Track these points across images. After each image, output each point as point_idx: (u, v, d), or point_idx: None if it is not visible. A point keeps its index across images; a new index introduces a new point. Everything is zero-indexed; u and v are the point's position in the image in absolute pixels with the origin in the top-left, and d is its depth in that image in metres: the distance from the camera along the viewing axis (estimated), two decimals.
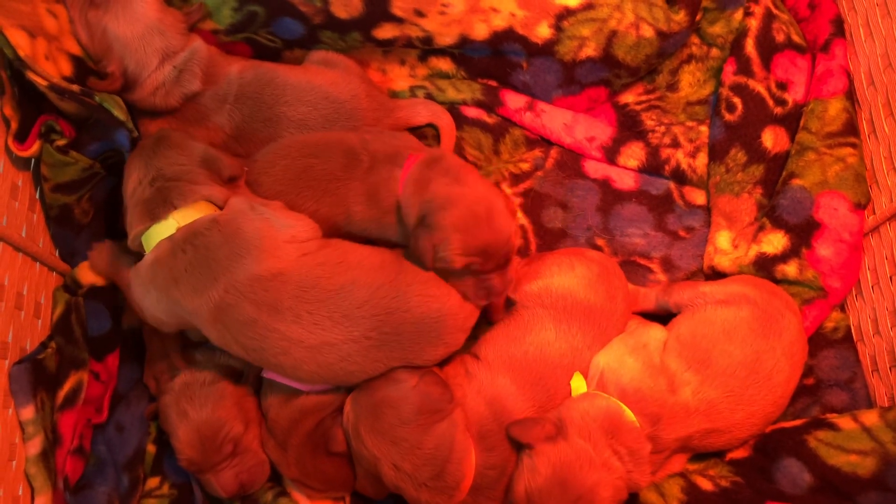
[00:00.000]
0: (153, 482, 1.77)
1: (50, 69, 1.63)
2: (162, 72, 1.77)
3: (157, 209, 1.58)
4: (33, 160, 1.69)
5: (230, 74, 1.86)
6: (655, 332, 1.71)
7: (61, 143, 1.63)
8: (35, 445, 1.57)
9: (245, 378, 1.69)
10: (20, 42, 1.55)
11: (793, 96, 1.97)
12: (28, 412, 1.56)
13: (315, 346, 1.52)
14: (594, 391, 1.63)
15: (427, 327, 1.58)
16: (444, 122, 2.02)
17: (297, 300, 1.51)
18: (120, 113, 1.66)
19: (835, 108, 1.87)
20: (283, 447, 1.68)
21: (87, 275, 1.75)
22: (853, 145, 1.84)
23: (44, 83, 1.57)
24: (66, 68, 1.69)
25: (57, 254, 1.78)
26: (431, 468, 1.51)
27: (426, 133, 2.05)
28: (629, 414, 1.57)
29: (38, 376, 1.58)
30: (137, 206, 1.60)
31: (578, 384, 1.66)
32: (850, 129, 1.86)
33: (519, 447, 1.60)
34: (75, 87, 1.63)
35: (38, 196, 1.72)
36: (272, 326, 1.51)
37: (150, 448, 1.77)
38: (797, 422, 1.72)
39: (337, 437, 1.63)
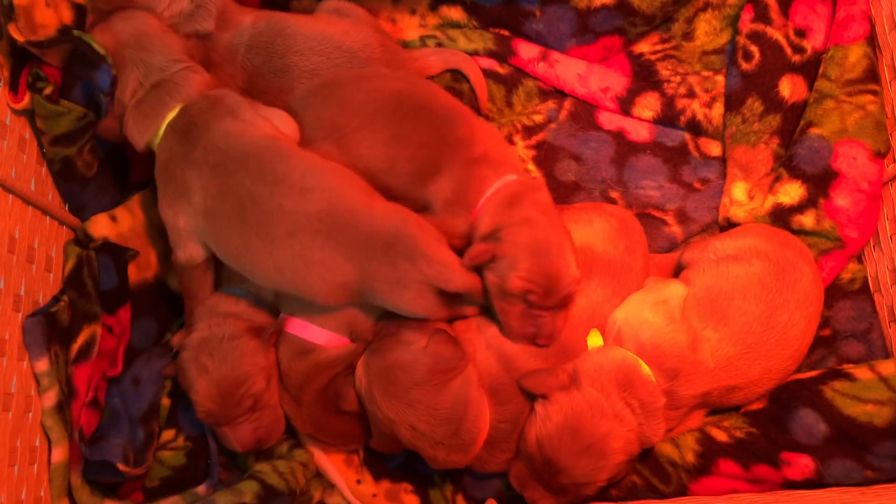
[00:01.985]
0: (168, 434, 1.78)
1: (49, 17, 1.60)
2: (180, 3, 1.75)
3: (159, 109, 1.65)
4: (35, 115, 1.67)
5: (243, 24, 1.83)
6: (676, 288, 1.68)
7: (49, 90, 1.60)
8: (50, 398, 1.57)
9: (268, 333, 1.68)
10: None
11: (811, 44, 1.93)
12: (42, 365, 1.56)
13: (272, 210, 1.55)
14: (611, 345, 1.62)
15: (383, 244, 1.56)
16: (472, 71, 1.99)
17: (261, 166, 1.57)
18: (100, 48, 1.62)
19: (855, 55, 1.83)
20: (297, 402, 1.68)
21: (99, 228, 1.74)
22: (874, 92, 1.81)
23: (21, 39, 1.53)
24: (67, 16, 1.66)
25: (66, 208, 1.77)
26: (448, 427, 1.51)
27: (462, 90, 2.00)
28: (645, 368, 1.56)
29: (52, 329, 1.58)
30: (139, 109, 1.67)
31: (595, 340, 1.65)
32: (871, 75, 1.82)
33: (532, 399, 1.60)
34: (52, 33, 1.60)
35: (42, 151, 1.71)
36: (241, 181, 1.57)
37: (165, 401, 1.78)
38: (813, 373, 1.71)
39: (348, 396, 1.63)
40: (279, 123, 1.71)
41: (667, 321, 1.60)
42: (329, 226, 1.55)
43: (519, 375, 1.60)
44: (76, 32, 1.62)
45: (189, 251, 1.67)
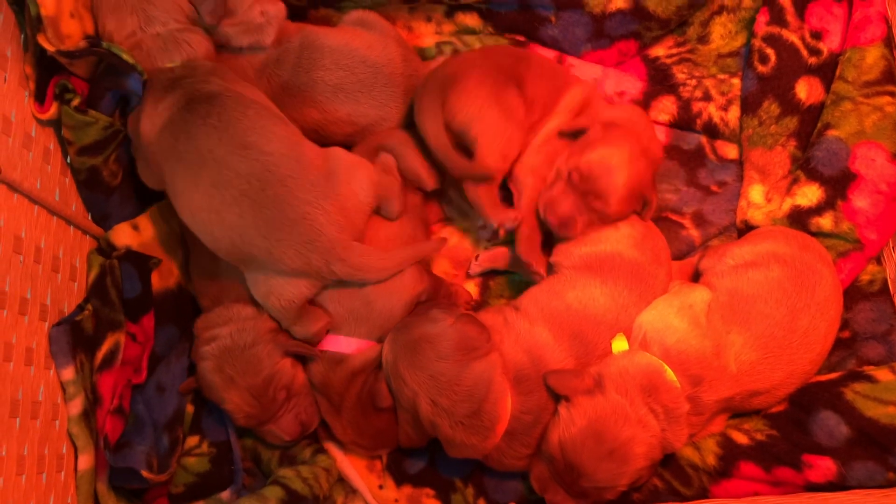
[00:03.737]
0: (192, 441, 1.80)
1: (74, 27, 1.63)
2: (252, 13, 1.79)
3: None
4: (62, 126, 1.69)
5: (291, 41, 1.86)
6: (700, 293, 1.68)
7: (77, 102, 1.63)
8: (76, 405, 1.59)
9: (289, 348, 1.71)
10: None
11: (828, 46, 1.93)
12: (68, 373, 1.58)
13: (203, 152, 1.57)
14: (636, 349, 1.62)
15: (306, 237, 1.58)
16: None
17: (212, 107, 1.60)
18: (129, 57, 1.65)
19: (872, 56, 1.83)
20: (337, 410, 1.70)
21: (121, 237, 1.76)
22: (891, 94, 1.80)
23: (51, 49, 1.56)
24: (90, 27, 1.69)
25: (90, 217, 1.78)
26: (469, 405, 1.52)
27: None
28: (669, 373, 1.56)
29: (77, 338, 1.60)
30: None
31: (620, 344, 1.65)
32: (889, 77, 1.82)
33: (556, 396, 1.60)
34: (82, 43, 1.63)
35: (67, 161, 1.72)
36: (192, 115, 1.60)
37: (189, 408, 1.79)
38: (833, 375, 1.71)
39: (382, 392, 1.66)
40: None
41: (692, 326, 1.60)
42: (257, 192, 1.55)
43: (545, 369, 1.60)
44: (105, 44, 1.64)
45: (140, 129, 1.68)
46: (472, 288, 1.94)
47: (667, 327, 1.61)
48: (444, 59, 1.93)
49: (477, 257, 1.92)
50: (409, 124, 1.89)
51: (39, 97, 1.60)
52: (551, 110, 1.83)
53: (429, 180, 1.84)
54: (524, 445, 1.61)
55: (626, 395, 1.53)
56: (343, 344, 1.69)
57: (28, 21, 1.55)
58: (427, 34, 2.05)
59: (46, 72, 1.62)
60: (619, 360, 1.60)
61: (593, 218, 1.72)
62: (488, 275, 1.96)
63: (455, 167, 1.76)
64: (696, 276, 1.82)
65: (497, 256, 1.92)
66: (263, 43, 1.82)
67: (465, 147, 1.78)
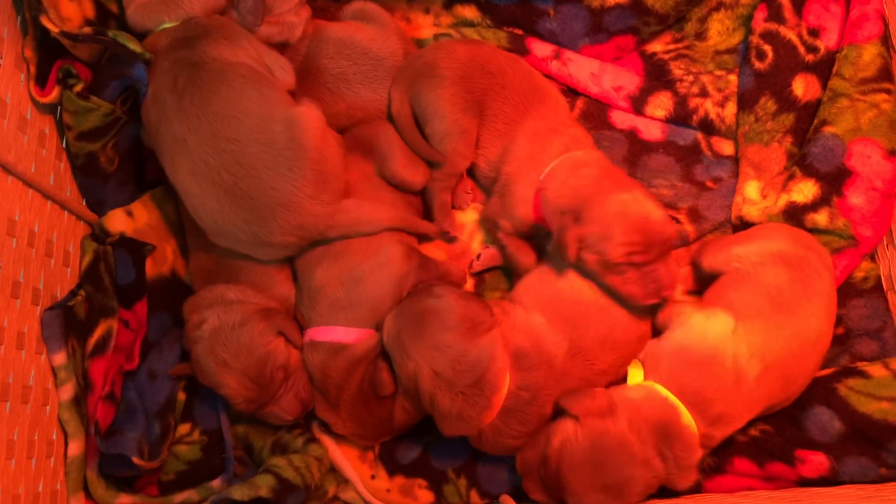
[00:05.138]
0: (183, 429, 1.79)
1: (73, 11, 1.62)
2: (288, 13, 1.82)
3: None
4: (59, 108, 1.68)
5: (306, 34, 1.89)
6: (721, 323, 1.58)
7: (79, 87, 1.63)
8: (67, 391, 1.58)
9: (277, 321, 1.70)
10: None
11: (825, 43, 1.93)
12: (60, 358, 1.57)
13: (178, 136, 1.60)
14: (652, 385, 1.56)
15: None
16: None
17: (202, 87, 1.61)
18: (135, 46, 1.65)
19: (869, 54, 1.83)
20: (335, 404, 1.69)
21: (116, 223, 1.75)
22: (888, 91, 1.81)
23: (55, 30, 1.56)
24: (90, 10, 1.69)
25: (84, 203, 1.78)
26: (471, 375, 1.52)
27: None
28: (685, 416, 1.50)
29: (69, 323, 1.59)
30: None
31: (636, 374, 1.61)
32: (885, 74, 1.82)
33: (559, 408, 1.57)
34: (87, 30, 1.62)
35: (63, 145, 1.72)
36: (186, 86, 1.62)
37: (181, 395, 1.79)
38: (827, 371, 1.71)
39: (384, 381, 1.65)
40: (270, 62, 1.75)
41: (711, 363, 1.54)
42: (230, 185, 1.59)
43: (544, 348, 1.60)
44: (111, 33, 1.64)
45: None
46: (467, 281, 1.94)
47: (686, 364, 1.55)
48: (431, 46, 1.96)
49: (479, 256, 1.92)
50: None
51: (41, 80, 1.59)
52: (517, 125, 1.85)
53: (415, 179, 1.85)
54: (521, 423, 1.59)
55: (638, 434, 1.48)
56: (342, 333, 1.69)
57: (27, 3, 1.55)
58: (425, 26, 2.05)
59: (49, 55, 1.61)
60: (634, 392, 1.55)
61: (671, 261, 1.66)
62: (485, 269, 1.95)
63: (412, 142, 1.85)
64: (696, 270, 1.80)
65: (498, 255, 1.92)
66: (293, 41, 1.85)
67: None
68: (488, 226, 1.89)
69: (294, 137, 1.62)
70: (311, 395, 1.72)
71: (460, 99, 1.82)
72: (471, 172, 1.95)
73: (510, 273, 1.92)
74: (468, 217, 1.98)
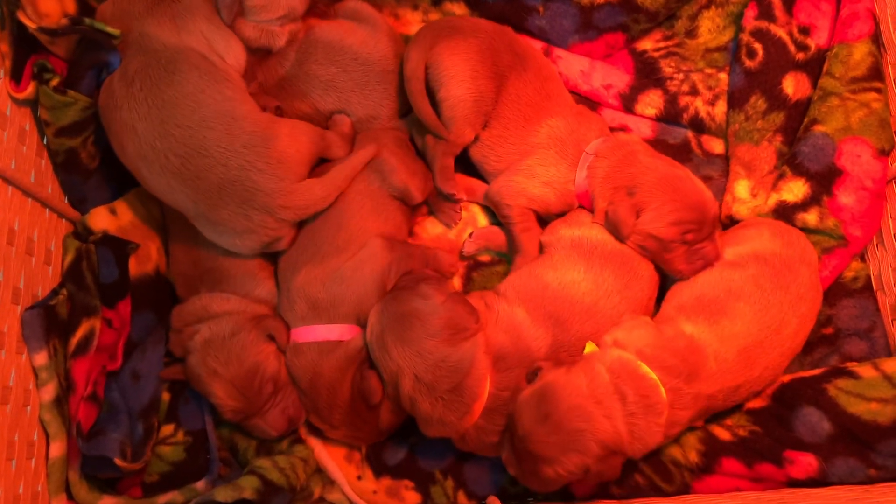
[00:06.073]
0: (167, 429, 1.77)
1: (52, 6, 1.61)
2: (273, 23, 1.77)
3: None
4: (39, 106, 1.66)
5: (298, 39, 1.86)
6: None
7: (55, 82, 1.61)
8: (49, 392, 1.57)
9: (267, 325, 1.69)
10: None
11: (815, 41, 1.92)
12: (41, 358, 1.55)
13: (126, 124, 1.61)
14: (609, 347, 1.60)
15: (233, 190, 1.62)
16: None
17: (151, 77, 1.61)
18: (113, 30, 1.63)
19: (860, 52, 1.82)
20: (327, 412, 1.67)
21: (99, 221, 1.73)
22: (878, 90, 1.80)
23: (32, 25, 1.54)
24: (70, 5, 1.67)
25: (66, 200, 1.75)
26: (450, 381, 1.52)
27: None
28: (644, 367, 1.53)
29: (51, 322, 1.57)
30: None
31: (590, 347, 1.63)
32: (876, 73, 1.81)
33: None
34: (64, 21, 1.61)
35: (44, 143, 1.69)
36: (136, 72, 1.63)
37: (165, 396, 1.77)
38: (816, 371, 1.71)
39: (373, 388, 1.63)
40: (221, 48, 1.72)
41: (660, 332, 1.61)
42: (177, 167, 1.60)
43: (524, 347, 1.60)
44: (87, 21, 1.62)
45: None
46: (455, 281, 1.93)
47: (638, 338, 1.59)
48: (460, 16, 1.96)
49: (471, 234, 1.91)
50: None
51: (16, 76, 1.57)
52: (536, 123, 1.84)
53: (416, 194, 1.83)
54: (504, 416, 1.58)
55: (589, 375, 1.50)
56: (324, 332, 1.67)
57: None
58: (414, 22, 2.03)
59: (24, 50, 1.59)
60: (591, 353, 1.58)
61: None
62: (472, 266, 1.94)
63: (420, 109, 1.81)
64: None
65: (491, 235, 1.92)
66: (274, 49, 1.81)
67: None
68: (496, 201, 1.85)
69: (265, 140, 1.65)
70: (299, 413, 1.70)
71: (485, 67, 1.79)
72: (470, 164, 1.92)
73: (499, 275, 1.92)
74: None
